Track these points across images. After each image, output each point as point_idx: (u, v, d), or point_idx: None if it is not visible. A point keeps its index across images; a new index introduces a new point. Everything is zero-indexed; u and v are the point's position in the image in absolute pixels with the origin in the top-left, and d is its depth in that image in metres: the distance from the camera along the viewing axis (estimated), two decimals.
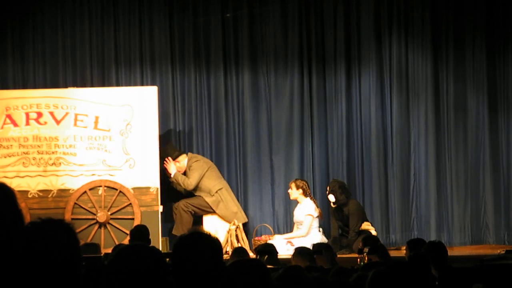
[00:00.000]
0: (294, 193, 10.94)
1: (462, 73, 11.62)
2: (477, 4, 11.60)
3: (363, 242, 7.87)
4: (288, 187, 11.10)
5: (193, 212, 11.01)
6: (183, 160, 11.24)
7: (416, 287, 3.88)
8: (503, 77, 11.60)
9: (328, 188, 11.00)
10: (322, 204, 11.10)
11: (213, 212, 11.10)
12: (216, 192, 11.12)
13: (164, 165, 11.13)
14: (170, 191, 11.42)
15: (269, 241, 10.20)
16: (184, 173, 11.24)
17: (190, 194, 11.24)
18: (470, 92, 11.62)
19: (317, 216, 10.88)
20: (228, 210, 11.12)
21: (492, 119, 11.56)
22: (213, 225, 10.87)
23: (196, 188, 11.16)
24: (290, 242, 10.63)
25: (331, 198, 10.89)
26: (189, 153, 11.37)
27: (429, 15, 11.61)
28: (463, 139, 11.58)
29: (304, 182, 11.01)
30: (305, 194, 10.92)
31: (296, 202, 11.07)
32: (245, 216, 11.33)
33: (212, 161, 11.66)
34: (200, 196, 11.11)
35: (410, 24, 11.66)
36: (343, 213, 10.91)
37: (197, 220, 11.15)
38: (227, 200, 11.15)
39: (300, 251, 7.26)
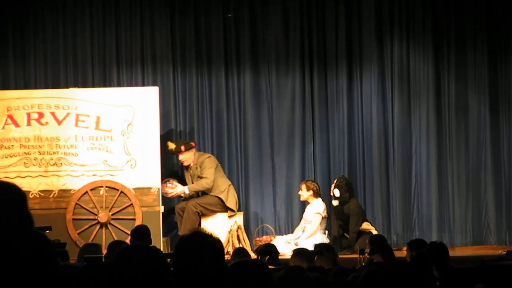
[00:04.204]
0: (304, 194, 10.95)
1: (463, 74, 11.63)
2: (478, 5, 11.60)
3: (370, 241, 7.88)
4: (299, 189, 11.07)
5: (200, 212, 10.95)
6: (192, 152, 11.18)
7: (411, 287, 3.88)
8: (504, 77, 11.60)
9: (335, 182, 10.99)
10: (327, 202, 11.06)
11: (217, 212, 11.04)
12: (225, 189, 11.11)
13: (171, 195, 11.05)
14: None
15: (286, 244, 10.31)
16: (187, 167, 11.16)
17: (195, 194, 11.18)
18: (472, 93, 11.63)
19: (325, 217, 10.89)
20: (234, 205, 11.10)
21: (493, 119, 11.56)
22: (211, 226, 10.86)
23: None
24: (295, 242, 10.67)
25: (336, 192, 10.87)
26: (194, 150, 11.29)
27: (430, 16, 11.62)
28: (465, 140, 11.59)
29: (315, 184, 11.04)
30: (315, 195, 10.94)
31: (306, 202, 11.08)
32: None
33: None
34: (208, 194, 11.06)
35: (412, 25, 11.66)
36: (343, 212, 10.92)
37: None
38: (233, 195, 11.15)
39: (299, 252, 7.26)
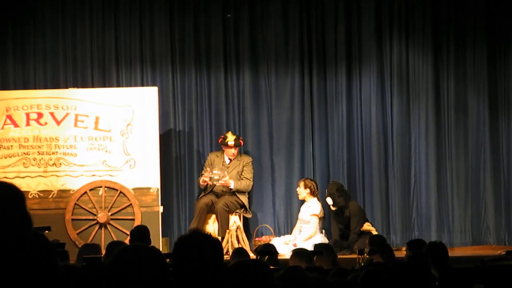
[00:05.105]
0: (302, 192, 10.93)
1: (462, 74, 11.63)
2: (477, 4, 11.60)
3: (370, 241, 7.86)
4: (297, 185, 11.09)
5: (228, 211, 10.94)
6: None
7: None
8: (503, 77, 11.61)
9: (326, 191, 11.00)
10: (324, 204, 11.08)
11: (232, 213, 10.98)
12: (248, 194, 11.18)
13: (222, 183, 10.95)
14: (173, 191, 11.43)
15: (284, 245, 10.31)
16: (230, 160, 11.13)
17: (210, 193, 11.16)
18: (471, 93, 11.63)
19: (322, 217, 10.88)
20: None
21: (492, 119, 11.57)
22: (211, 226, 10.85)
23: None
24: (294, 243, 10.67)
25: (329, 201, 10.89)
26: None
27: (430, 15, 11.62)
28: (464, 140, 11.59)
29: (313, 183, 11.00)
30: (312, 194, 10.90)
31: (303, 201, 11.07)
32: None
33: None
34: (233, 195, 11.05)
35: (411, 24, 11.67)
36: (343, 216, 10.90)
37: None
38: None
39: (298, 252, 7.26)
